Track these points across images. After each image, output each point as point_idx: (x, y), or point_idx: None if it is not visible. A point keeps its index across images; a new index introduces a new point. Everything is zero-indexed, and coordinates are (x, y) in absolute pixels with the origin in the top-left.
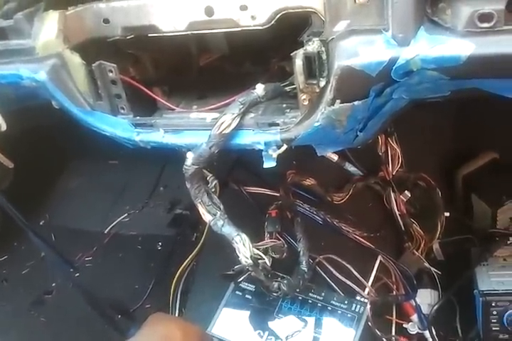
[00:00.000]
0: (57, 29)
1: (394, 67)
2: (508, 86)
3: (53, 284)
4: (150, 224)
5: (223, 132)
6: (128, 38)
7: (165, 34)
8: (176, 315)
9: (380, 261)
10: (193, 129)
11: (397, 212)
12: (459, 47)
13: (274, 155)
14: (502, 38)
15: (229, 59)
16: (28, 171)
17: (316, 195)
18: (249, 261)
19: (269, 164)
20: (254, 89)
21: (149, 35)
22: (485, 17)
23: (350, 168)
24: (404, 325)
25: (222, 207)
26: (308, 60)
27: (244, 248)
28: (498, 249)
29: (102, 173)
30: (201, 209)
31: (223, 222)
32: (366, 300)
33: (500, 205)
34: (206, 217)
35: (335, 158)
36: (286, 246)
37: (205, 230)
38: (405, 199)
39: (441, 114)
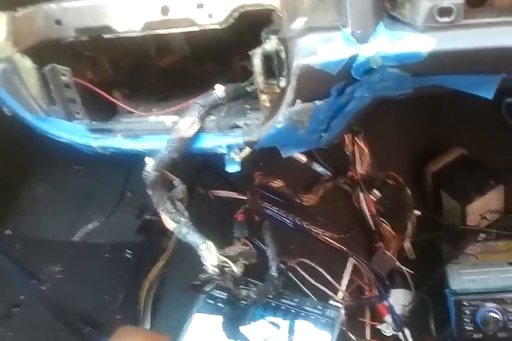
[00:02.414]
0: (6, 32)
1: (354, 65)
2: (469, 82)
3: (21, 297)
4: (118, 231)
5: (183, 136)
6: (82, 39)
7: (120, 35)
8: (147, 325)
9: (352, 262)
10: (152, 133)
11: (367, 212)
12: (419, 43)
13: (238, 158)
14: (462, 33)
15: (190, 59)
16: None
17: (285, 197)
18: (216, 270)
19: (232, 168)
20: (214, 90)
21: (104, 36)
22: (444, 11)
23: (319, 168)
24: (378, 327)
25: (186, 213)
26: (267, 58)
27: (210, 256)
28: (468, 246)
29: (67, 180)
30: (164, 217)
31: (187, 230)
32: (340, 305)
33: (469, 201)
34: (170, 225)
35: (303, 158)
36: (255, 251)
37: (174, 236)
38: (375, 199)
39: (408, 111)
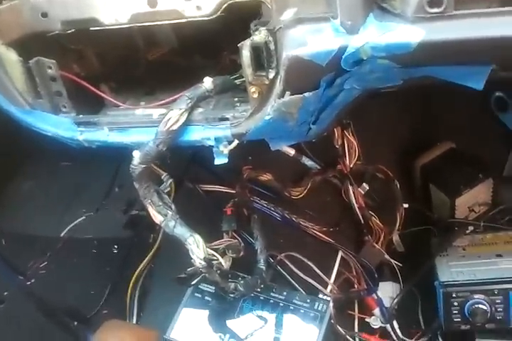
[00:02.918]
0: None
1: (344, 56)
2: (459, 73)
3: (5, 293)
4: (105, 226)
5: (171, 128)
6: (69, 32)
7: (107, 27)
8: (134, 319)
9: (341, 255)
10: (139, 126)
11: (355, 205)
12: (408, 33)
13: (226, 151)
14: (452, 24)
15: (178, 52)
16: None
17: (274, 190)
18: (203, 263)
19: (220, 160)
20: (203, 82)
21: (91, 28)
22: (434, 2)
23: (308, 161)
24: (366, 320)
25: (173, 207)
26: (256, 50)
27: (197, 249)
28: (457, 239)
29: (54, 175)
30: (151, 210)
31: (175, 223)
32: (329, 298)
33: (458, 195)
34: (157, 218)
35: (291, 152)
36: (242, 244)
37: (162, 231)
38: (363, 192)
39: (397, 105)
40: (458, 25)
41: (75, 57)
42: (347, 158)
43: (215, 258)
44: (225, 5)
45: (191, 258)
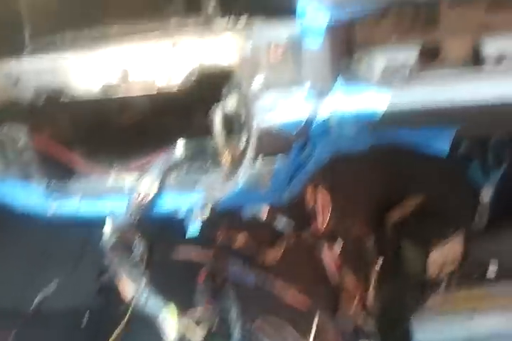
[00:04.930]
0: None
1: (313, 123)
2: (425, 136)
3: None
4: (77, 294)
5: (143, 197)
6: (41, 99)
7: (79, 96)
8: None
9: (317, 319)
10: (111, 195)
11: (330, 266)
12: (375, 99)
13: (199, 218)
14: (416, 88)
15: (151, 116)
16: None
17: (248, 254)
18: (176, 336)
19: (194, 228)
20: (175, 148)
21: (63, 97)
22: (399, 68)
23: (281, 223)
24: None
25: (145, 278)
26: (227, 117)
27: (170, 322)
28: (431, 296)
29: (23, 240)
30: (122, 283)
31: (147, 295)
32: None
33: (430, 251)
34: (128, 291)
35: (265, 213)
36: (217, 312)
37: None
38: (337, 251)
39: (367, 163)
40: (422, 89)
41: (47, 123)
42: (320, 218)
43: (189, 329)
44: (196, 74)
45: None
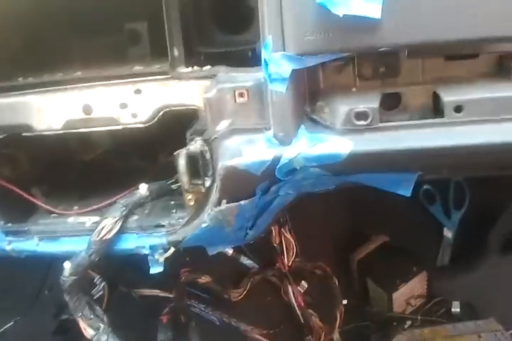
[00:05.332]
0: None
1: (277, 166)
2: (388, 180)
3: None
4: (35, 332)
5: (104, 238)
6: (0, 137)
7: (40, 133)
8: None
9: None
10: (71, 235)
11: (295, 305)
12: (338, 145)
13: (161, 259)
14: (378, 135)
15: (114, 154)
16: None
17: (213, 292)
18: None
19: (156, 269)
20: (138, 189)
21: (23, 134)
22: (361, 115)
23: (246, 261)
24: None
25: (105, 319)
26: (192, 159)
27: None
28: (396, 335)
29: None
30: (82, 324)
31: (107, 337)
32: None
33: (394, 289)
34: (88, 333)
35: (230, 251)
36: None
37: None
38: (302, 290)
39: (331, 202)
40: (383, 136)
41: (6, 161)
42: (285, 256)
43: None
44: (161, 112)
45: None
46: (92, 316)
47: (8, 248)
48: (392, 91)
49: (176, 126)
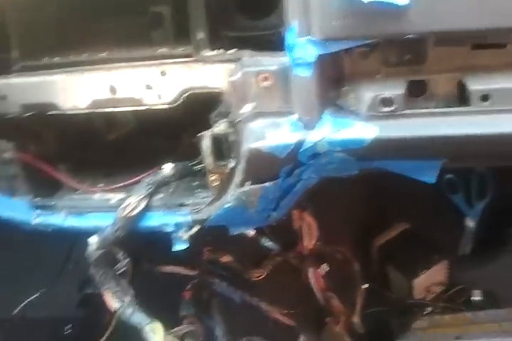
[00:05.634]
0: None
1: (301, 150)
2: (412, 166)
3: None
4: (59, 305)
5: (129, 215)
6: (27, 115)
7: (66, 112)
8: None
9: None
10: (97, 211)
11: (315, 287)
12: (362, 130)
13: (185, 236)
14: (403, 122)
15: (138, 134)
16: None
17: (234, 272)
18: None
19: (180, 246)
20: (163, 168)
21: (50, 113)
22: (386, 101)
23: (267, 242)
24: None
25: (131, 292)
26: (216, 141)
27: (155, 338)
28: (416, 320)
29: (5, 252)
30: (107, 297)
31: (132, 310)
32: None
33: (415, 276)
34: (113, 305)
35: (252, 233)
36: (202, 329)
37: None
38: (323, 273)
39: (354, 187)
40: (409, 123)
41: (33, 138)
42: (306, 240)
43: None
44: (186, 94)
45: None
46: (117, 289)
47: (35, 222)
48: (418, 79)
49: (199, 108)
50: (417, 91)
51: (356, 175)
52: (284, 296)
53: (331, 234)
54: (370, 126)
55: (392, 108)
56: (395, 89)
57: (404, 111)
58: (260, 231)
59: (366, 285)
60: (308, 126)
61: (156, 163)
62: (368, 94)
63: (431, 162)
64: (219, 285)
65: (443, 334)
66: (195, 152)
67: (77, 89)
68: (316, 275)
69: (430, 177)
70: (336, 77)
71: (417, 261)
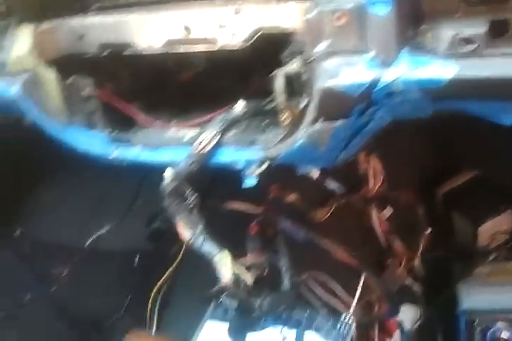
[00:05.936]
0: (30, 44)
1: (376, 89)
2: (489, 108)
3: (27, 297)
4: (129, 237)
5: (203, 150)
6: (104, 54)
7: (142, 52)
8: (154, 331)
9: (363, 278)
10: (171, 146)
11: (378, 229)
12: (441, 69)
13: (255, 173)
14: (483, 62)
15: (209, 75)
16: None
17: (298, 211)
18: (230, 279)
19: (249, 182)
20: (235, 106)
21: (126, 52)
22: (466, 40)
23: (332, 184)
24: None
25: (202, 223)
26: (289, 79)
27: (224, 266)
28: (479, 266)
29: (79, 185)
30: (180, 227)
31: (203, 240)
32: (351, 321)
33: (481, 222)
34: (185, 235)
35: (317, 174)
36: (267, 263)
37: (185, 244)
38: (387, 216)
39: (421, 131)
40: (489, 63)
41: (109, 77)
42: (371, 183)
43: (242, 275)
44: (258, 34)
45: (218, 275)
46: (189, 219)
47: (113, 155)
48: (500, 18)
49: (272, 47)
50: (498, 31)
51: (429, 118)
52: (347, 237)
53: (396, 178)
54: (449, 64)
55: (472, 47)
56: (476, 29)
57: (486, 51)
58: (325, 173)
59: (429, 230)
60: (385, 64)
61: (227, 103)
62: (447, 32)
63: (509, 104)
64: (283, 222)
65: (506, 280)
66: (265, 92)
67: (153, 29)
68: (379, 218)
69: (508, 119)
70: (413, 15)
71: (483, 208)
